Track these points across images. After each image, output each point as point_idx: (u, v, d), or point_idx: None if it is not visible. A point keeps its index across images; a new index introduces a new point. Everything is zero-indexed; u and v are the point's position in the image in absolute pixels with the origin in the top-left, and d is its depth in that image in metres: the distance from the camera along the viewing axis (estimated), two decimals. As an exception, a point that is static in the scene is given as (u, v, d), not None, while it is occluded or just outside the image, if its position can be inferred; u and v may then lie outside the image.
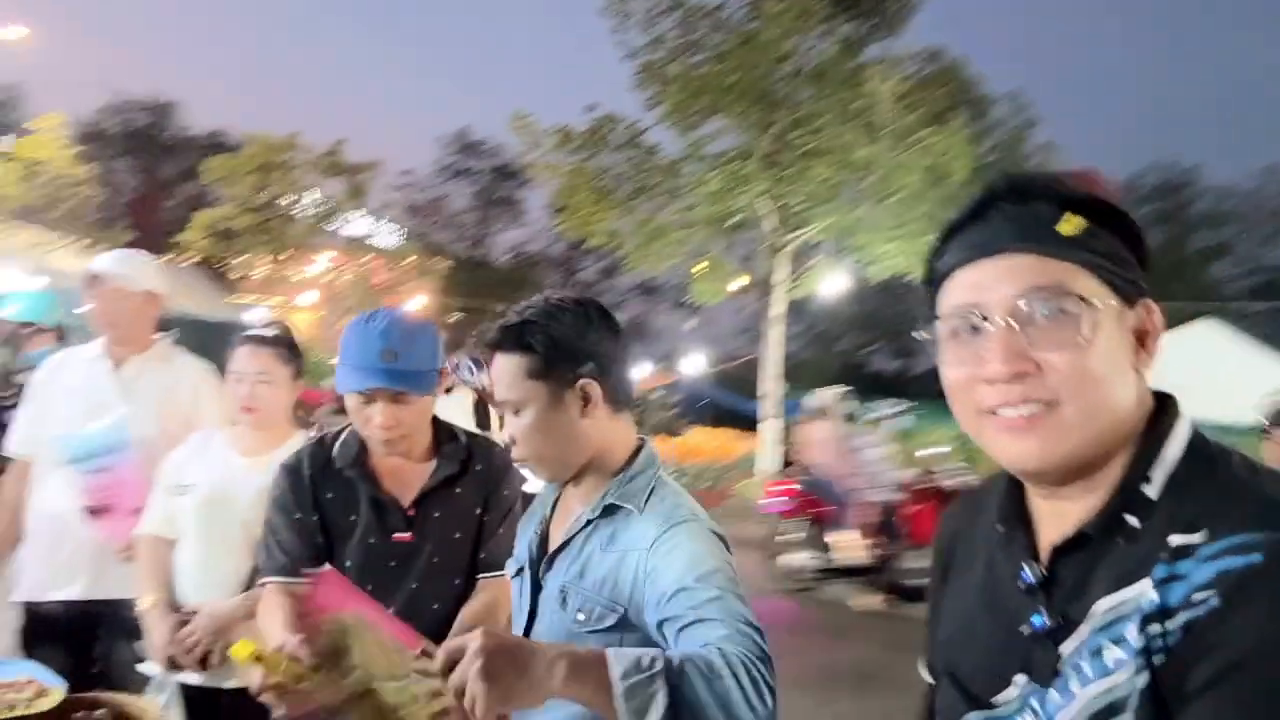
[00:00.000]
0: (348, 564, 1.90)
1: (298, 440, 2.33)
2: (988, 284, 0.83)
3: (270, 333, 2.42)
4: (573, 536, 1.44)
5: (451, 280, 33.45)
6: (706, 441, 16.00)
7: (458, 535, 1.93)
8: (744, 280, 16.12)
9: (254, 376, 2.32)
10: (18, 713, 1.46)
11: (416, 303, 29.37)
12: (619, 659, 1.05)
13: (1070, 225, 0.82)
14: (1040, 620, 0.83)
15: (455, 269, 33.96)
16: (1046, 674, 0.82)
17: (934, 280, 0.91)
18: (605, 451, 1.44)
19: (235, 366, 2.36)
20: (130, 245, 21.84)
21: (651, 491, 1.41)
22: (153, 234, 25.28)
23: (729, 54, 13.28)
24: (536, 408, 1.39)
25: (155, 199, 29.71)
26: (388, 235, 25.71)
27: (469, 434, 2.08)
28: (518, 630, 1.53)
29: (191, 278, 25.13)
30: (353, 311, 21.81)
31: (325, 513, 1.93)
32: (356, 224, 23.42)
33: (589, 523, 1.42)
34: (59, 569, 2.60)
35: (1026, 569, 0.86)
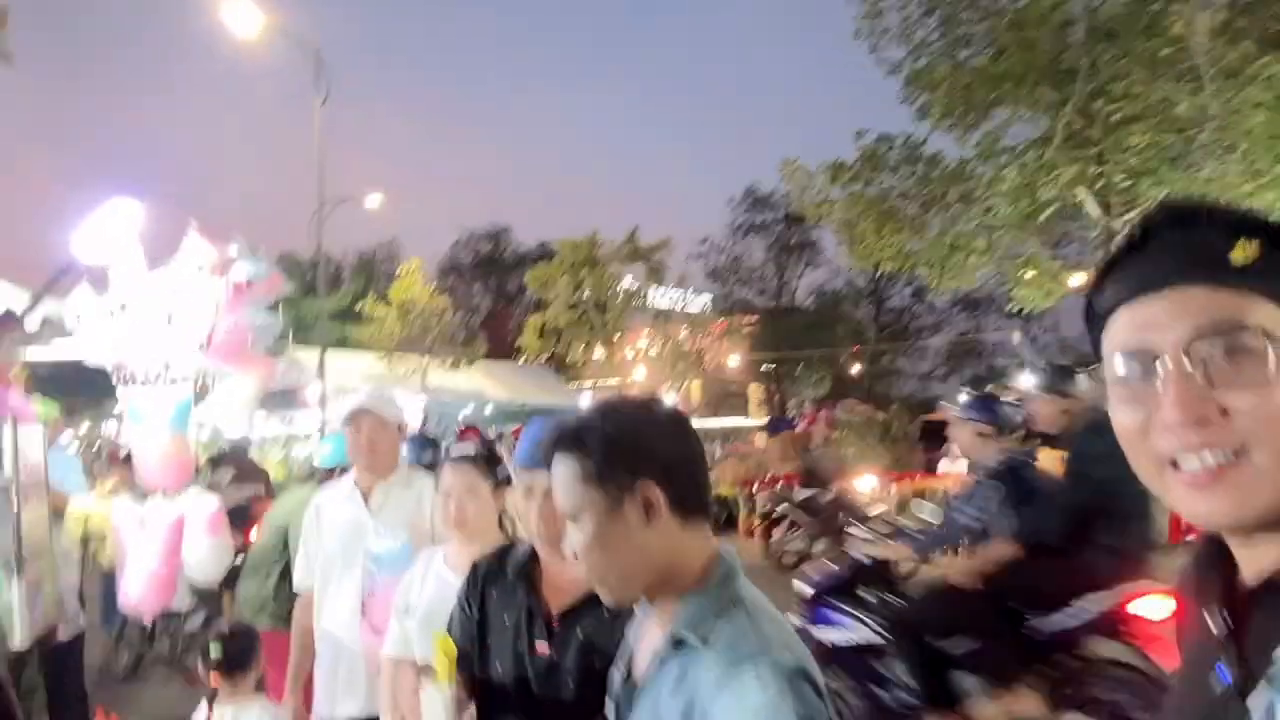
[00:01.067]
0: (498, 669, 1.89)
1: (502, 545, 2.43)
2: (1157, 323, 0.76)
3: (470, 451, 2.55)
4: (650, 674, 1.30)
5: (762, 333, 34.02)
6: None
7: (598, 665, 1.72)
8: (1081, 276, 14.27)
9: (460, 492, 2.44)
10: None
11: (731, 361, 30.30)
12: None
13: (1243, 252, 0.75)
14: (1224, 671, 0.76)
15: (763, 321, 34.53)
16: None
17: (1094, 318, 0.84)
18: (677, 567, 1.28)
19: (442, 486, 2.51)
20: (486, 356, 25.25)
21: (721, 616, 1.22)
22: (501, 343, 28.94)
23: (1001, 38, 12.11)
24: (593, 516, 1.27)
25: (502, 312, 33.99)
26: (695, 303, 26.77)
27: None
28: None
29: (536, 374, 28.33)
30: (676, 380, 23.20)
31: (487, 613, 1.95)
32: (665, 299, 24.69)
33: (661, 660, 1.27)
34: (340, 687, 2.91)
35: (1208, 616, 0.79)
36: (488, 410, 25.78)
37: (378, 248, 37.46)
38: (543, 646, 1.82)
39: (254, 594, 4.16)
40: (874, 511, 6.37)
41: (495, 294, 39.34)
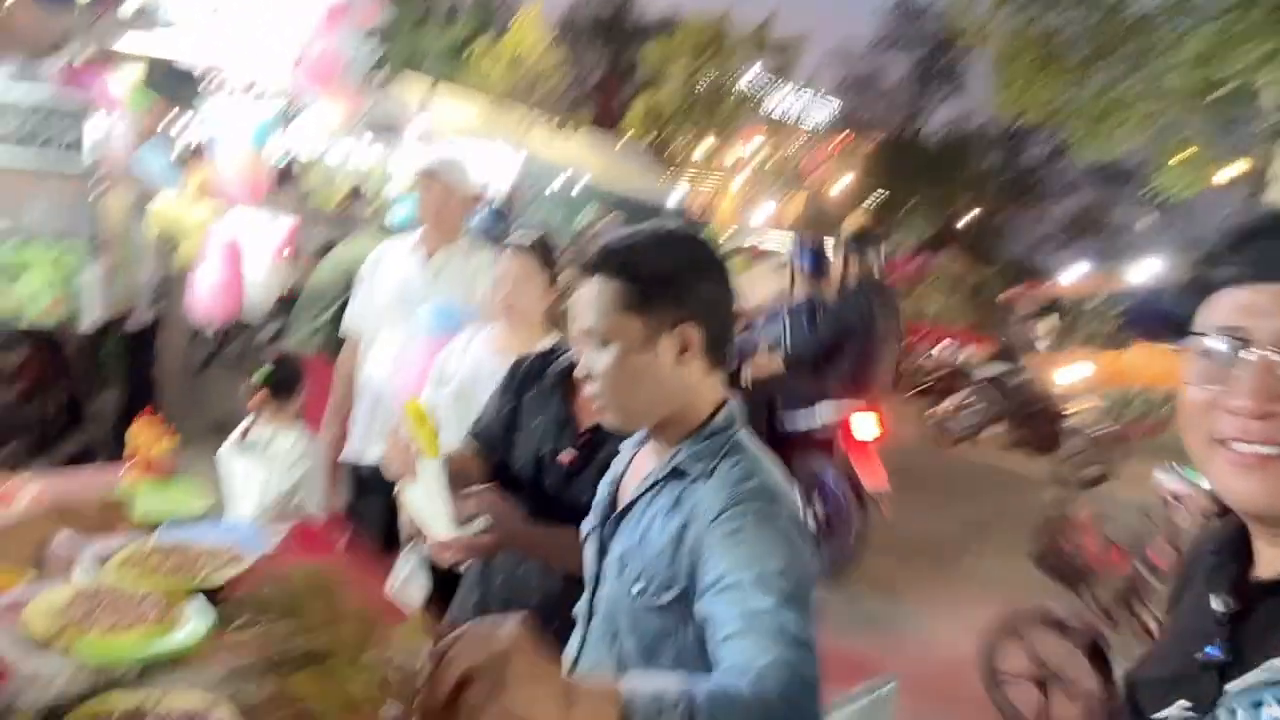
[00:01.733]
0: (520, 467, 1.93)
1: (547, 343, 2.41)
2: (1262, 310, 0.78)
3: (529, 240, 2.49)
4: (638, 498, 1.32)
5: (878, 160, 32.14)
6: (1147, 363, 13.48)
7: None
8: (1236, 169, 12.88)
9: (513, 280, 2.39)
10: (197, 583, 1.68)
11: (841, 184, 28.95)
12: (636, 699, 0.89)
13: None
14: (1214, 650, 0.81)
15: (882, 149, 32.49)
16: (1205, 705, 0.80)
17: (1199, 286, 0.84)
18: (689, 406, 1.29)
19: (497, 271, 2.47)
20: (591, 126, 24.55)
21: (724, 455, 1.24)
22: (608, 117, 28.01)
23: None
24: (625, 345, 1.24)
25: (614, 84, 32.61)
26: (819, 112, 25.22)
27: None
28: (584, 600, 1.43)
29: (635, 160, 27.59)
30: (777, 193, 22.34)
31: (520, 409, 1.97)
32: (788, 102, 23.30)
33: (654, 484, 1.29)
34: (374, 432, 3.03)
35: (1215, 598, 0.84)
36: (580, 184, 25.49)
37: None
38: (566, 456, 1.84)
39: (308, 323, 4.30)
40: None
41: (609, 64, 37.58)
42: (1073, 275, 18.39)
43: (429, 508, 1.62)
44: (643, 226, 1.34)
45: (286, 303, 5.22)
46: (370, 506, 2.99)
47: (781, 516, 1.18)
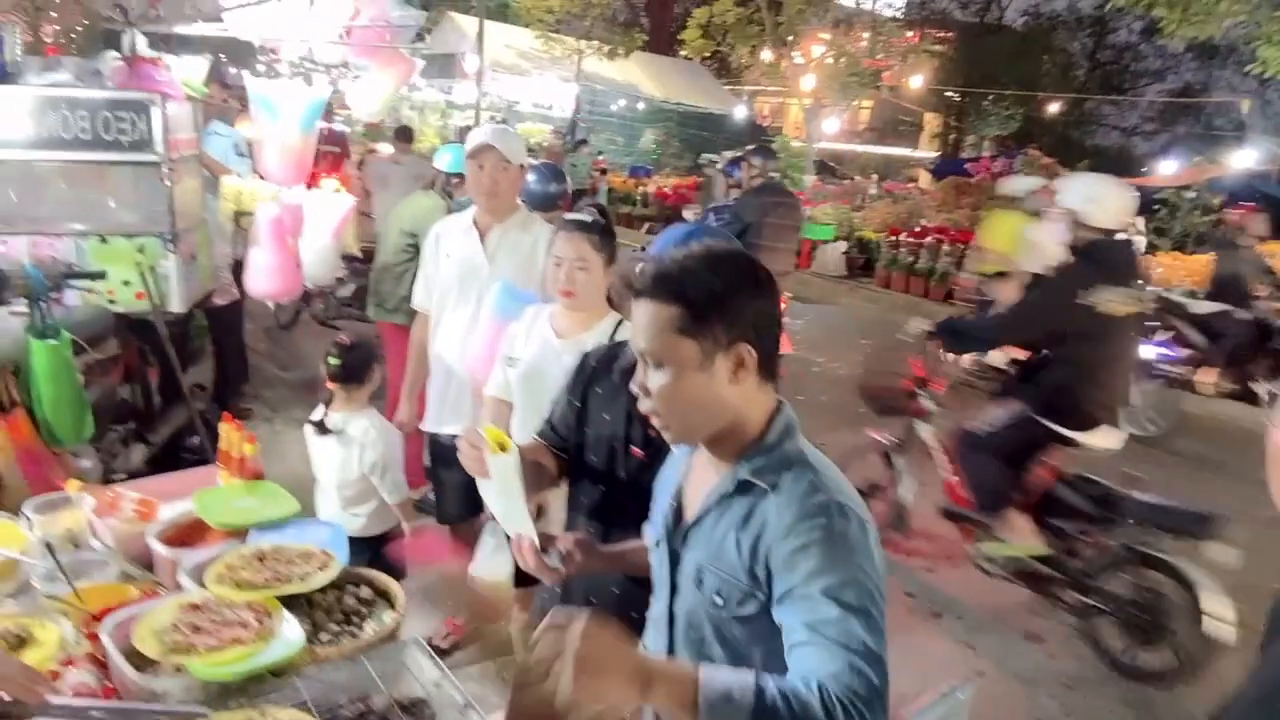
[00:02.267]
0: (591, 458, 1.98)
1: (608, 324, 2.44)
2: None
3: (587, 219, 2.46)
4: (708, 511, 1.37)
5: (955, 54, 30.28)
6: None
7: None
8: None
9: (571, 261, 2.39)
10: (293, 588, 1.78)
11: (914, 82, 27.48)
12: (710, 687, 1.05)
13: None
14: None
15: (959, 40, 30.57)
16: None
17: None
18: (744, 420, 1.33)
19: (555, 251, 2.45)
20: (642, 48, 23.83)
21: (789, 467, 1.29)
22: (663, 35, 27.14)
23: None
24: (680, 367, 1.28)
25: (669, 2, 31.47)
26: (884, 8, 23.88)
27: None
28: (660, 606, 1.49)
29: (695, 73, 26.77)
30: (846, 97, 21.41)
31: (589, 404, 2.01)
32: (853, 1, 22.12)
33: (722, 498, 1.34)
34: (447, 407, 3.11)
35: None
36: (640, 106, 24.97)
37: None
38: (638, 450, 1.89)
39: (389, 292, 4.39)
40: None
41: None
42: (1170, 167, 17.24)
43: (503, 505, 1.66)
44: (693, 247, 1.35)
45: (366, 260, 5.35)
46: (451, 475, 3.10)
47: (849, 528, 1.21)
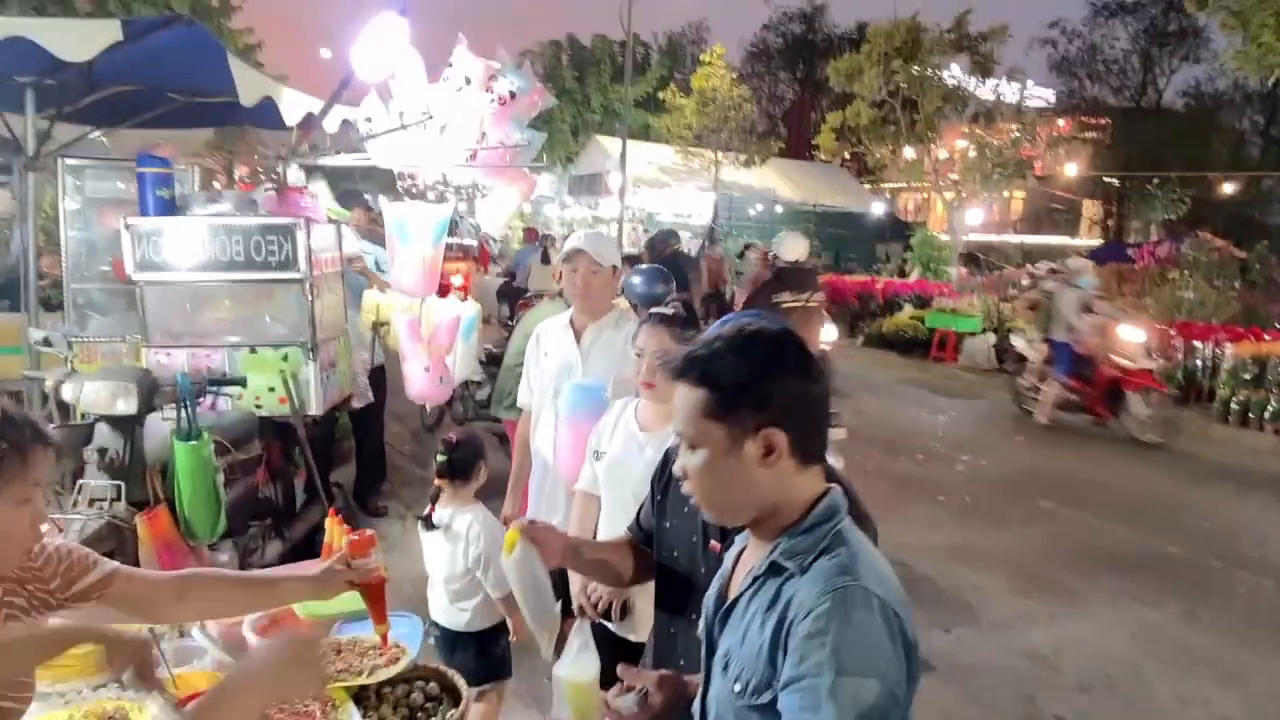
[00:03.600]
0: (674, 556, 1.95)
1: None
2: None
3: (669, 311, 2.49)
4: (741, 594, 1.32)
5: (1111, 139, 29.01)
6: None
7: None
8: None
9: (653, 354, 2.40)
10: (358, 680, 1.81)
11: (1068, 170, 26.48)
12: None
13: None
14: None
15: (1114, 125, 29.32)
16: None
17: None
18: (784, 503, 1.28)
19: (637, 343, 2.49)
20: (781, 154, 24.36)
21: (823, 550, 1.22)
22: (801, 139, 27.69)
23: None
24: (711, 450, 1.26)
25: (805, 105, 32.23)
26: (1030, 101, 23.40)
27: None
28: (698, 699, 1.42)
29: (831, 175, 27.01)
30: (991, 189, 20.91)
31: (668, 497, 1.99)
32: (995, 95, 21.80)
33: (755, 580, 1.29)
34: (544, 502, 3.15)
35: None
36: (778, 210, 25.34)
37: (686, 29, 36.63)
38: (715, 545, 1.84)
39: (510, 391, 4.57)
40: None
41: (801, 83, 37.16)
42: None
43: (524, 604, 1.67)
44: (726, 329, 1.32)
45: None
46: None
47: (871, 620, 1.12)
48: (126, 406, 3.09)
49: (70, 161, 4.94)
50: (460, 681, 1.93)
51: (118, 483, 3.03)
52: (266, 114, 4.38)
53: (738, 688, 1.24)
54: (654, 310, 2.55)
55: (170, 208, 4.00)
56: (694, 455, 1.28)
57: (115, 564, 1.70)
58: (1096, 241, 28.65)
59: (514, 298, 9.07)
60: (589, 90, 30.13)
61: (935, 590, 5.00)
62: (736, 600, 1.32)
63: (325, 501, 4.33)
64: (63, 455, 3.03)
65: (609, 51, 29.93)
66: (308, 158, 4.45)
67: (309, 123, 4.48)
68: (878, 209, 25.15)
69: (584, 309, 3.11)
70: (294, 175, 4.62)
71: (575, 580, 2.52)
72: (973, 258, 20.60)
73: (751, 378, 1.25)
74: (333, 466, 5.30)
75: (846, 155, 23.78)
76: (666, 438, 2.22)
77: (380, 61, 3.87)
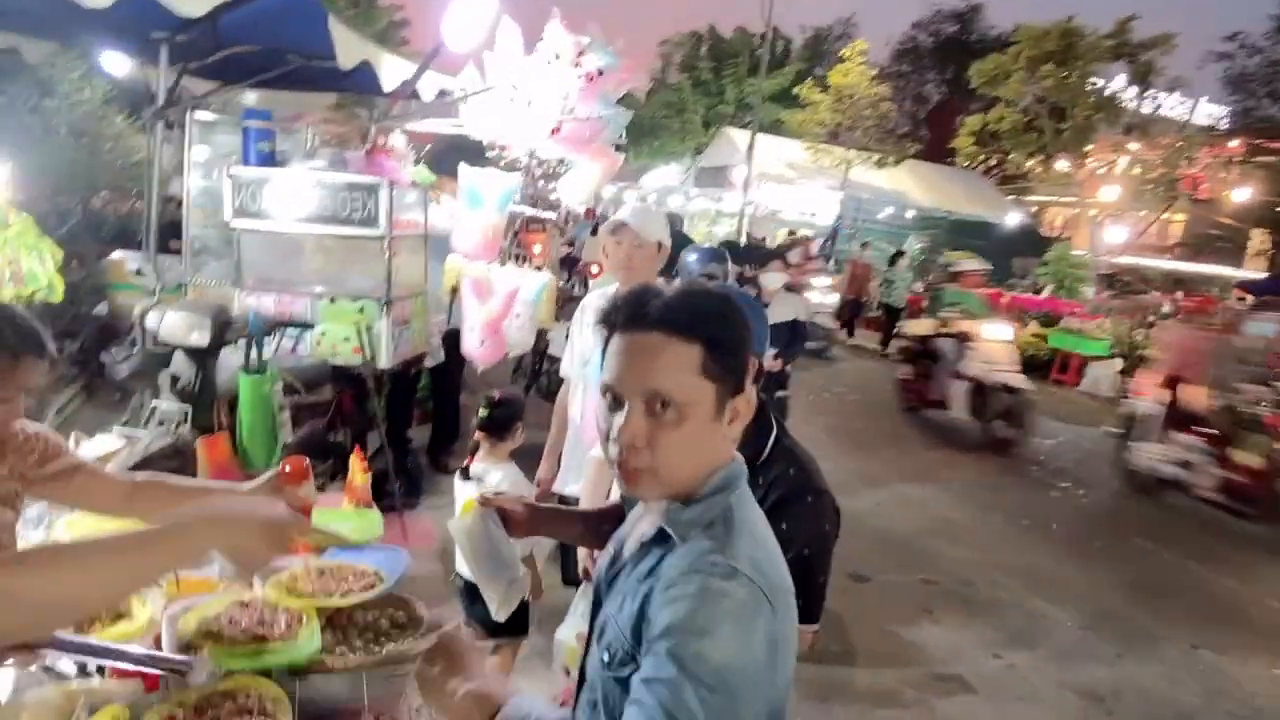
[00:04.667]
0: None
1: None
2: None
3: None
4: (628, 559, 1.26)
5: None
6: None
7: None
8: None
9: None
10: (329, 602, 1.90)
11: (1240, 195, 24.36)
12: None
13: None
14: None
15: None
16: None
17: None
18: (708, 470, 1.21)
19: None
20: (919, 156, 23.53)
21: (710, 523, 1.15)
22: (940, 143, 26.62)
23: None
24: (700, 414, 1.13)
25: (951, 107, 30.96)
26: (1196, 117, 21.72)
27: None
28: (579, 662, 1.39)
29: (969, 182, 25.82)
30: (1142, 209, 19.51)
31: None
32: (1156, 108, 20.34)
33: (643, 546, 1.23)
34: (572, 469, 3.19)
35: None
36: (909, 215, 24.47)
37: (834, 24, 35.78)
38: None
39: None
40: None
41: (950, 86, 35.65)
42: None
43: (471, 564, 1.72)
44: (696, 284, 1.26)
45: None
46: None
47: (731, 599, 1.05)
48: (199, 339, 3.33)
49: (199, 116, 5.34)
50: (423, 610, 2.00)
51: (186, 407, 3.28)
52: (367, 80, 4.61)
53: (606, 656, 1.19)
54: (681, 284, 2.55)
55: (270, 160, 4.27)
56: (667, 418, 1.12)
57: (83, 459, 1.88)
58: (1261, 274, 26.30)
59: (572, 266, 9.41)
60: (725, 82, 29.98)
61: (996, 612, 4.77)
62: (623, 566, 1.26)
63: (389, 453, 4.52)
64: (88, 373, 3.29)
65: (748, 44, 29.66)
66: (397, 122, 4.64)
67: (401, 91, 4.67)
68: (1017, 220, 23.88)
69: (626, 281, 3.12)
70: (397, 139, 4.82)
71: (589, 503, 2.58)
72: (1113, 279, 19.32)
73: (744, 335, 1.18)
74: (410, 423, 5.52)
75: (986, 161, 22.71)
76: None
77: (468, 32, 3.98)
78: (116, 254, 5.03)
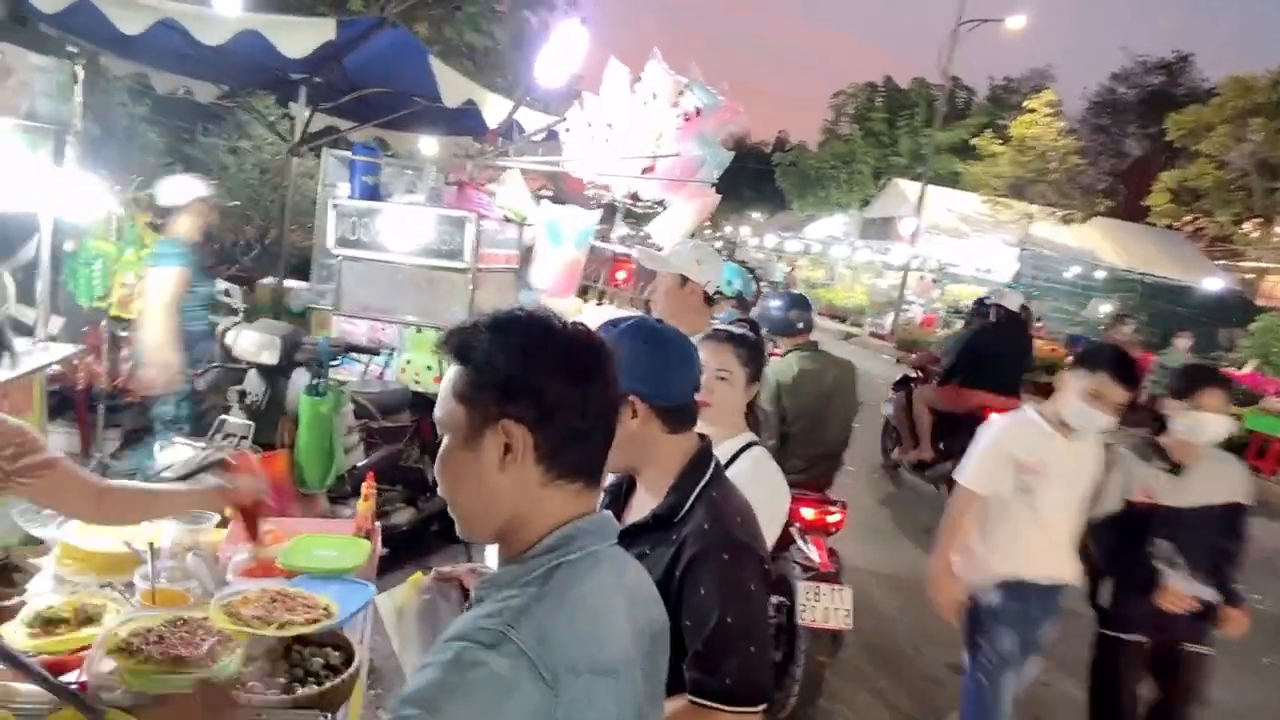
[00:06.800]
0: None
1: (741, 440, 2.26)
2: None
3: (736, 331, 2.35)
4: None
5: None
6: None
7: None
8: None
9: (713, 370, 2.27)
10: (270, 631, 1.84)
11: None
12: None
13: None
14: None
15: None
16: None
17: None
18: (524, 521, 1.11)
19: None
20: (1107, 213, 21.81)
21: (514, 584, 1.05)
22: (1135, 201, 24.55)
23: None
24: (454, 435, 1.11)
25: (1150, 164, 28.56)
26: None
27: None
28: None
29: (1168, 242, 23.56)
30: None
31: None
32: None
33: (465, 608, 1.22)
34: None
35: None
36: (1098, 274, 22.62)
37: (1030, 75, 34.01)
38: None
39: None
40: None
41: (1152, 140, 32.95)
42: None
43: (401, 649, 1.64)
44: (502, 310, 1.17)
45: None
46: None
47: (487, 666, 0.92)
48: (270, 357, 3.47)
49: (334, 152, 5.70)
50: (359, 653, 1.90)
51: (251, 423, 3.41)
52: (474, 119, 4.74)
53: None
54: (720, 327, 2.40)
55: (373, 193, 4.46)
56: (445, 440, 1.13)
57: (61, 455, 1.91)
58: None
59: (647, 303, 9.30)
60: (899, 133, 29.19)
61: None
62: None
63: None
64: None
65: (925, 96, 28.79)
66: (492, 159, 4.74)
67: (499, 127, 4.78)
68: (1219, 285, 21.48)
69: (667, 317, 2.99)
70: (514, 176, 4.92)
71: None
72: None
73: (502, 361, 1.08)
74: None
75: (1187, 221, 20.66)
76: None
77: (558, 69, 4.01)
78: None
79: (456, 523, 1.16)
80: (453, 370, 1.11)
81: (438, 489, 1.19)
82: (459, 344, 1.11)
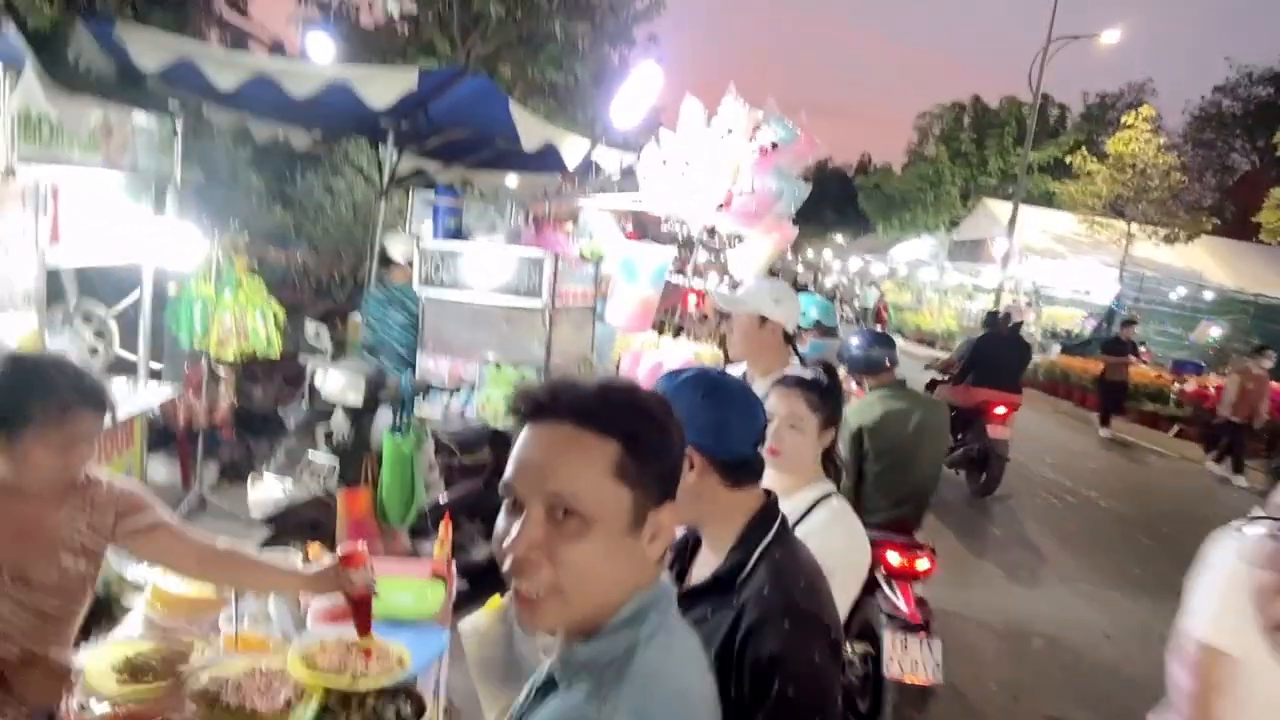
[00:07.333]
0: None
1: (816, 490, 2.18)
2: None
3: (807, 376, 2.27)
4: (524, 710, 1.09)
5: None
6: None
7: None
8: None
9: (783, 419, 2.20)
10: (343, 684, 1.85)
11: None
12: None
13: None
14: None
15: None
16: None
17: None
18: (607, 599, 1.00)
19: (768, 405, 2.29)
20: (1213, 231, 20.66)
21: (600, 667, 0.94)
22: (1244, 218, 23.21)
23: None
24: (611, 524, 0.94)
25: (1261, 180, 26.99)
26: None
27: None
28: None
29: (1278, 260, 22.11)
30: None
31: None
32: None
33: (532, 692, 1.07)
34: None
35: None
36: (1205, 295, 21.39)
37: (1127, 89, 32.64)
38: None
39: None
40: None
41: (1261, 154, 31.11)
42: None
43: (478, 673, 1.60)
44: (618, 378, 1.08)
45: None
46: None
47: None
48: (355, 398, 3.56)
49: (424, 193, 5.87)
50: (430, 706, 1.90)
51: (335, 461, 3.50)
52: (553, 159, 4.81)
53: None
54: (792, 373, 2.32)
55: (456, 233, 4.55)
56: (570, 529, 0.93)
57: (166, 518, 1.96)
58: None
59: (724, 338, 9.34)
60: (988, 153, 28.39)
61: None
62: (523, 714, 1.07)
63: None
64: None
65: (1016, 114, 27.96)
66: (568, 198, 4.79)
67: (578, 166, 4.83)
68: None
69: (749, 361, 2.95)
70: (598, 215, 4.96)
71: None
72: None
73: (670, 437, 1.00)
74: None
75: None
76: (790, 510, 1.96)
77: (633, 109, 4.03)
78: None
79: (556, 616, 0.97)
80: (598, 448, 0.95)
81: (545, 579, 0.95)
82: (608, 416, 0.96)
